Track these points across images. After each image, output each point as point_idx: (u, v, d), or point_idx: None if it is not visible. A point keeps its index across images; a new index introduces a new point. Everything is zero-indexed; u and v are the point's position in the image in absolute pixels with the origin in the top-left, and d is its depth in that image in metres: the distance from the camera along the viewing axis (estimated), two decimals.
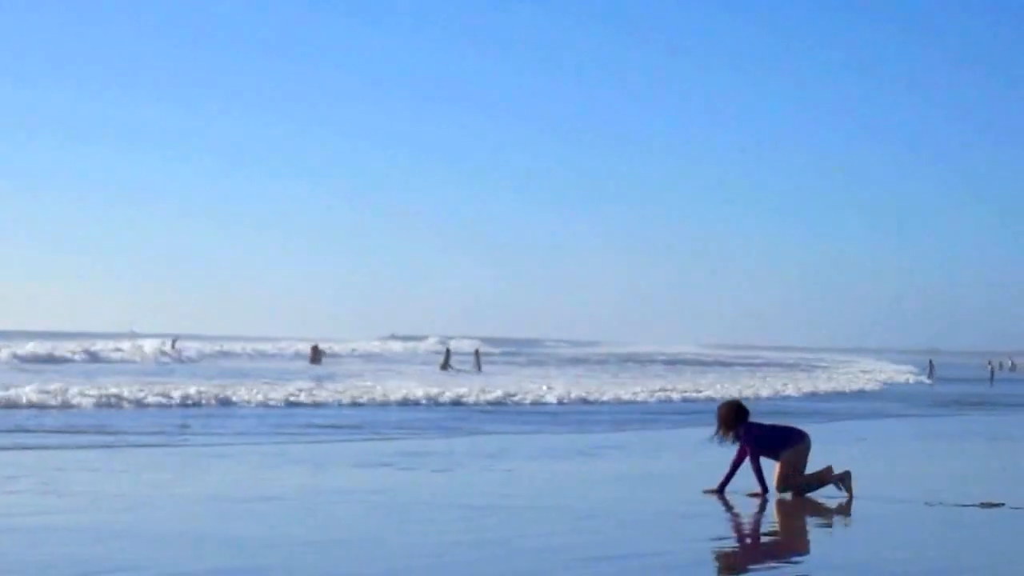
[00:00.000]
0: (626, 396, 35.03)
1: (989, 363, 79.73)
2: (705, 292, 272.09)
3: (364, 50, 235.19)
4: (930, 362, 75.81)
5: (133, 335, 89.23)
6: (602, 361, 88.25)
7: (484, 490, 13.48)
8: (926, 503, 12.52)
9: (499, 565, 9.06)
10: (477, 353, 63.74)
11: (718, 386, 42.99)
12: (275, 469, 15.34)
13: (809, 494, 12.82)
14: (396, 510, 11.75)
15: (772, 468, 12.77)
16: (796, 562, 9.53)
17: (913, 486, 14.39)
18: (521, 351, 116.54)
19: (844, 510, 12.21)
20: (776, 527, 11.65)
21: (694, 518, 11.54)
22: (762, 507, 12.25)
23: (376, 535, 10.34)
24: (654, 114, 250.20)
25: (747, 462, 12.77)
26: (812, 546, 10.20)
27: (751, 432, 12.80)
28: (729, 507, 12.24)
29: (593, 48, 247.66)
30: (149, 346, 64.69)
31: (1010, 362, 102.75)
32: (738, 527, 11.50)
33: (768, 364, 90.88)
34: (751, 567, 9.38)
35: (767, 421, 13.50)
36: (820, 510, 12.22)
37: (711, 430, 13.09)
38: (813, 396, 41.70)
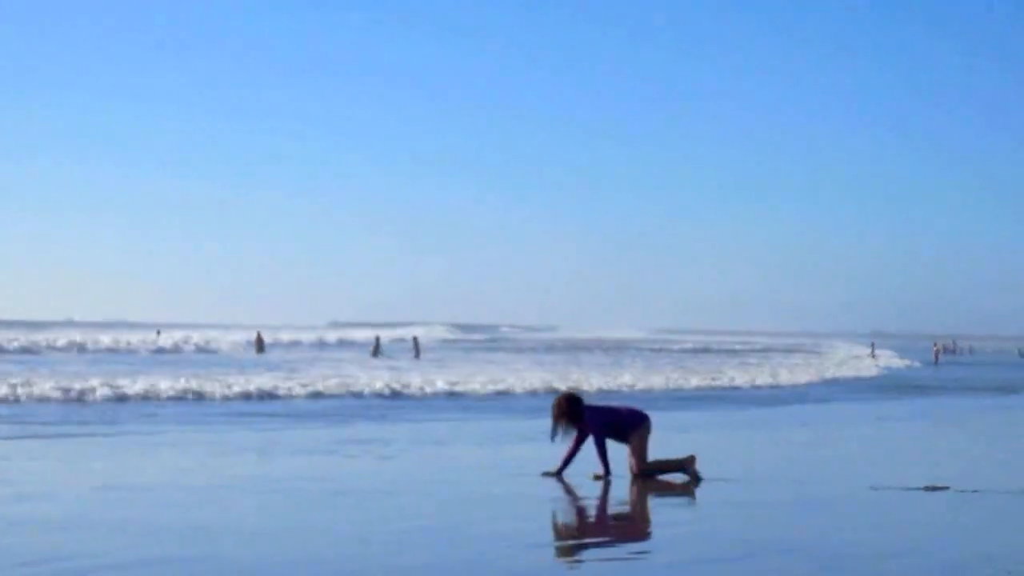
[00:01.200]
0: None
1: (935, 345, 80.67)
2: (653, 277, 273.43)
3: (291, 36, 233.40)
4: (872, 344, 77.16)
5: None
6: (553, 348, 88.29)
7: (432, 477, 13.54)
8: (871, 487, 12.66)
9: (449, 552, 9.13)
10: (415, 340, 63.96)
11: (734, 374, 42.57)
12: (224, 457, 15.34)
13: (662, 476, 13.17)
14: (347, 497, 11.81)
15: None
16: (747, 542, 9.59)
17: (859, 470, 14.56)
18: (483, 338, 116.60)
19: (688, 489, 12.60)
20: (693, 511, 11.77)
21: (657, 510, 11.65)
22: (636, 488, 12.39)
23: (328, 522, 10.37)
24: (604, 100, 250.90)
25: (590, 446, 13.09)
26: (757, 529, 10.27)
27: (596, 417, 13.09)
28: (642, 495, 12.37)
29: (543, 32, 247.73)
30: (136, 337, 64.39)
31: (953, 344, 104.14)
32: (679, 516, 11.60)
33: (753, 350, 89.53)
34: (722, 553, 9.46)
35: (604, 404, 13.93)
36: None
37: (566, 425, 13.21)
38: (834, 383, 41.61)
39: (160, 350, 59.49)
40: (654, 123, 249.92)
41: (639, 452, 13.14)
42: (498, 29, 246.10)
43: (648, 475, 13.09)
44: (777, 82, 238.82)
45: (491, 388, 31.20)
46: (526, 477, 13.20)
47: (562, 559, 9.23)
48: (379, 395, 28.77)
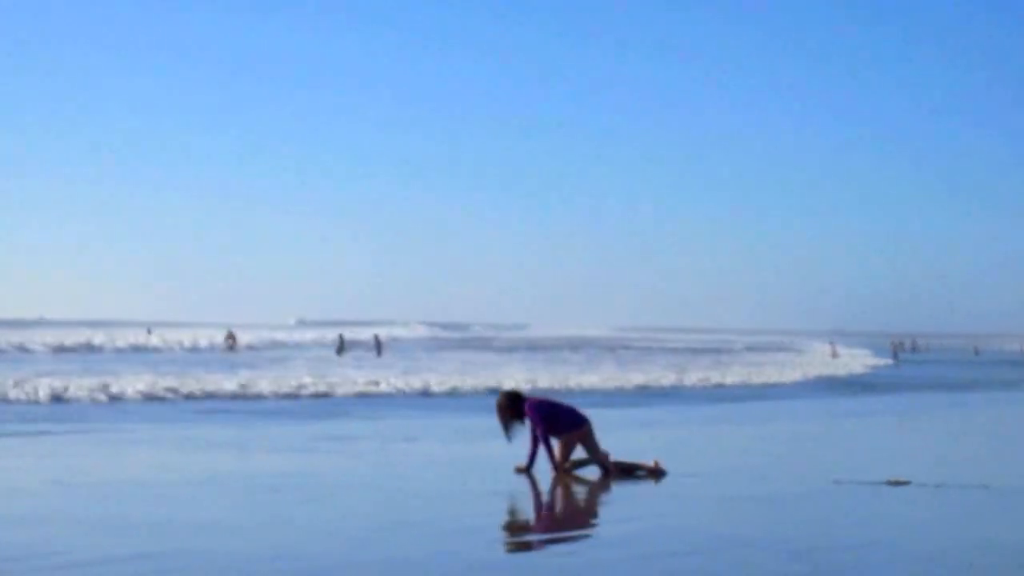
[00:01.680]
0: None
1: (892, 344, 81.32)
2: (618, 276, 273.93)
3: (263, 39, 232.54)
4: (831, 343, 77.88)
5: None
6: (526, 347, 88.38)
7: (401, 473, 13.65)
8: (834, 481, 12.83)
9: (417, 546, 9.22)
10: (376, 339, 63.93)
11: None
12: (194, 454, 15.37)
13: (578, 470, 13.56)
14: (317, 493, 11.89)
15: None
16: (713, 536, 9.72)
17: (822, 465, 14.73)
18: (456, 336, 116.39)
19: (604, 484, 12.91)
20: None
21: (612, 503, 11.77)
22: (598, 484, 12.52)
23: (298, 517, 10.44)
24: (565, 98, 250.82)
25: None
26: (722, 523, 10.42)
27: (538, 411, 13.43)
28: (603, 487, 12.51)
29: (510, 34, 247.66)
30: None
31: (912, 343, 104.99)
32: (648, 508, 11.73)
33: (733, 350, 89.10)
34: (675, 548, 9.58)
35: (546, 398, 14.20)
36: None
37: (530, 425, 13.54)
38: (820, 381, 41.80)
39: (137, 348, 59.29)
40: (622, 123, 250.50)
41: (565, 450, 13.49)
42: (463, 31, 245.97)
43: (568, 471, 13.45)
44: (739, 82, 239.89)
45: (439, 387, 31.12)
46: (494, 472, 13.33)
47: (526, 552, 9.36)
48: (344, 393, 28.79)
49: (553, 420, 13.45)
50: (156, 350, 58.82)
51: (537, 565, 8.85)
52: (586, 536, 10.15)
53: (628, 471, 13.46)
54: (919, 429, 22.50)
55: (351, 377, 32.89)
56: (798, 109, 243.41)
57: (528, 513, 11.55)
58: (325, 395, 28.36)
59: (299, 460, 14.90)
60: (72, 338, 61.77)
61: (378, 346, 61.86)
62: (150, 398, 25.91)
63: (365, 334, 77.07)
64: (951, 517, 10.88)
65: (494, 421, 13.76)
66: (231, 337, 66.39)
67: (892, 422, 23.95)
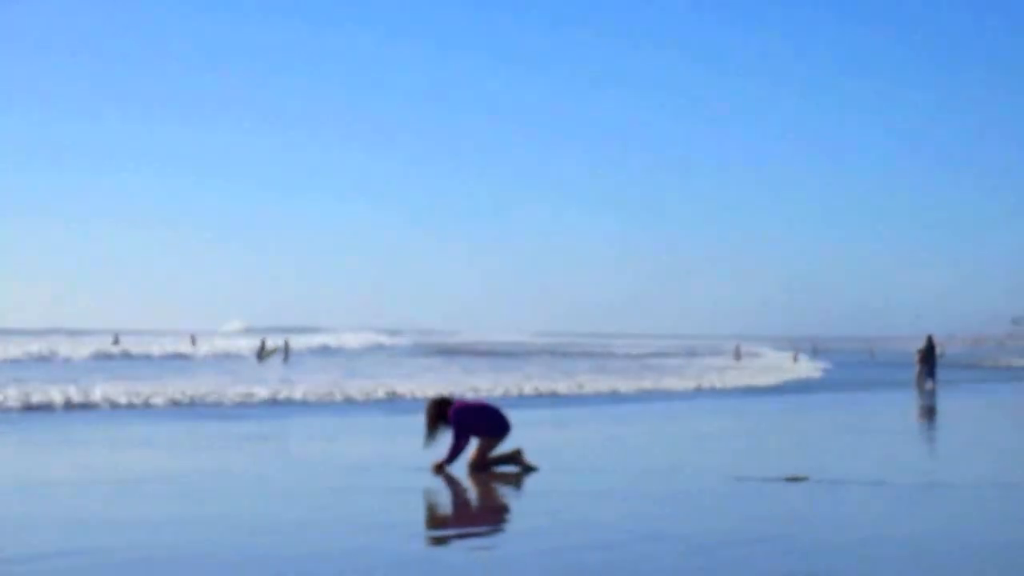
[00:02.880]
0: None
1: (794, 353, 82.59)
2: (532, 282, 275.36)
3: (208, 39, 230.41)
4: (737, 347, 79.13)
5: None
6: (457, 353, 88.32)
7: (323, 471, 13.89)
8: (736, 477, 13.19)
9: (340, 541, 9.47)
10: (286, 344, 63.49)
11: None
12: (122, 453, 15.39)
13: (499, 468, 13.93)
14: (242, 489, 12.17)
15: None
16: (616, 531, 9.97)
17: (725, 462, 15.09)
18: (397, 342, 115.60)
19: (516, 480, 13.20)
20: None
21: (534, 497, 12.01)
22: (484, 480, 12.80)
23: (224, 514, 10.68)
24: (485, 109, 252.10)
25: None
26: (626, 518, 10.64)
27: (460, 416, 13.83)
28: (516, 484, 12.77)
29: (420, 50, 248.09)
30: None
31: (813, 346, 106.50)
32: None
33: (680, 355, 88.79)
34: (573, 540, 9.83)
35: (476, 402, 14.45)
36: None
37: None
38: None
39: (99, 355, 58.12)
40: (544, 138, 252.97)
41: (484, 450, 13.85)
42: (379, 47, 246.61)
43: (484, 468, 13.79)
44: (657, 94, 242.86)
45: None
46: (415, 471, 13.60)
47: (441, 547, 9.57)
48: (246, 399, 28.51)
49: (476, 424, 13.83)
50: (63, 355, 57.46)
51: (451, 560, 9.09)
52: (498, 531, 10.39)
53: (507, 461, 13.90)
54: (820, 427, 22.97)
55: (251, 382, 32.63)
56: (716, 123, 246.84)
57: (442, 509, 11.76)
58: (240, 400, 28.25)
59: (223, 458, 15.04)
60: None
61: (286, 352, 61.43)
62: (85, 406, 24.72)
63: (304, 341, 76.29)
64: (846, 512, 11.22)
65: (411, 421, 14.04)
66: (192, 340, 64.90)
67: (794, 420, 24.42)
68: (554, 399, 29.80)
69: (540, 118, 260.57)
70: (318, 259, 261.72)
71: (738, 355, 75.93)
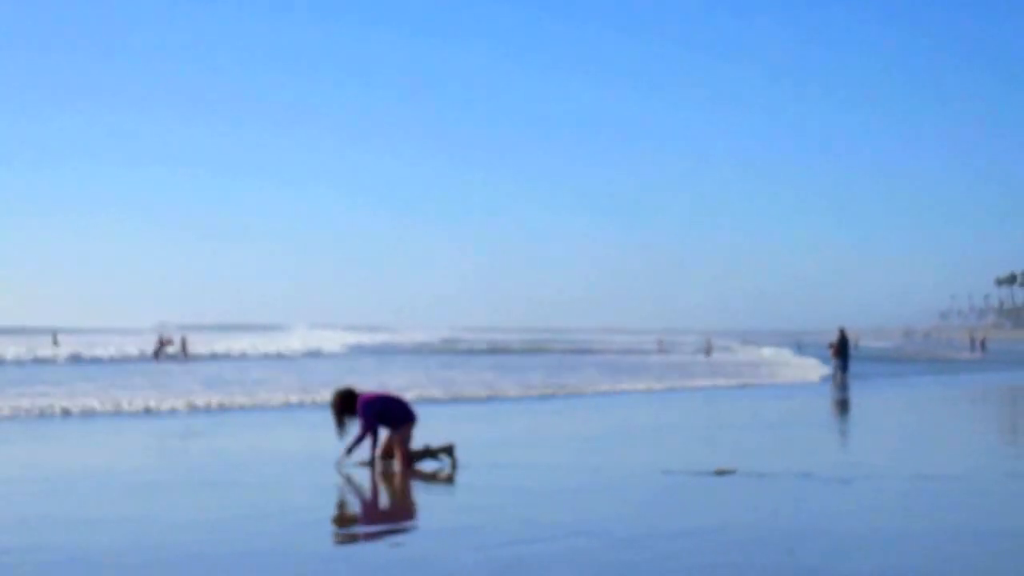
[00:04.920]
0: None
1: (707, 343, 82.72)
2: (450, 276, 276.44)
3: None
4: (707, 341, 79.79)
5: None
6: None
7: (227, 468, 13.81)
8: (663, 471, 13.20)
9: (261, 538, 9.40)
10: (183, 340, 62.81)
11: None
12: (51, 452, 15.16)
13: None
14: (164, 487, 12.05)
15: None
16: (540, 525, 9.93)
17: (652, 455, 15.12)
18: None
19: (450, 478, 13.15)
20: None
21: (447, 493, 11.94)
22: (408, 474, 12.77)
23: (146, 512, 10.55)
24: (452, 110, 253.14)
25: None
26: (552, 512, 10.63)
27: (367, 407, 13.87)
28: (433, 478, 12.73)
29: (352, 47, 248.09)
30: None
31: (796, 343, 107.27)
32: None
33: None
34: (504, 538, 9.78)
35: (380, 393, 14.51)
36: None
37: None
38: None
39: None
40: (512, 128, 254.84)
41: (403, 443, 13.88)
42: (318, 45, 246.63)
43: (411, 463, 13.84)
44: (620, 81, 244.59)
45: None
46: (327, 467, 13.53)
47: (362, 543, 9.49)
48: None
49: (384, 415, 13.89)
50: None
51: (374, 557, 9.00)
52: (423, 527, 10.32)
53: (428, 455, 13.97)
54: (749, 421, 23.10)
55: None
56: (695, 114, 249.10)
57: (363, 505, 11.67)
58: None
59: (147, 456, 14.83)
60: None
61: (183, 347, 60.75)
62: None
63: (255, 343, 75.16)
64: (773, 504, 11.24)
65: (328, 417, 14.07)
66: (169, 342, 63.29)
67: (721, 414, 24.54)
68: (496, 397, 29.71)
69: (511, 108, 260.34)
70: (259, 258, 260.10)
71: (709, 350, 75.78)
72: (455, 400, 27.33)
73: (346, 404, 13.98)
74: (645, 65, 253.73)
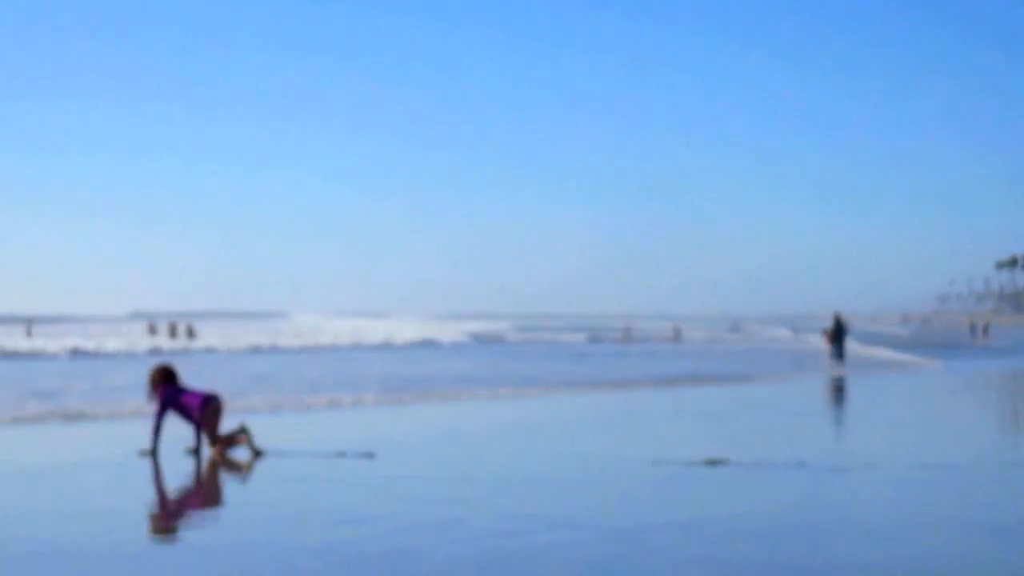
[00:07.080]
0: None
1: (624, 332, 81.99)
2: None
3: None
4: (675, 327, 79.63)
5: None
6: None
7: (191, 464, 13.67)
8: (653, 462, 12.98)
9: (229, 531, 9.34)
10: (189, 327, 62.91)
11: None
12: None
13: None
14: (118, 483, 11.96)
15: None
16: (526, 517, 9.71)
17: (643, 446, 14.90)
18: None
19: (249, 465, 13.21)
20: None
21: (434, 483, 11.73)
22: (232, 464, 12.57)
23: (112, 508, 10.47)
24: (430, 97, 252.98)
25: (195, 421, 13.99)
26: (538, 504, 10.44)
27: (167, 393, 13.96)
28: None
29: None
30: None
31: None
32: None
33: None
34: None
35: (190, 386, 14.61)
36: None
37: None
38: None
39: None
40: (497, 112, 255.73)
41: (211, 432, 13.94)
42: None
43: (224, 444, 13.95)
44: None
45: None
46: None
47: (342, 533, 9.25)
48: None
49: (178, 403, 13.93)
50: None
51: (350, 548, 8.77)
52: (411, 520, 10.08)
53: (230, 442, 13.99)
54: (742, 412, 22.93)
55: None
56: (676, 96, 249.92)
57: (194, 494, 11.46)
58: None
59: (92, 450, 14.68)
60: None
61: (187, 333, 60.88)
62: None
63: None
64: (766, 495, 11.07)
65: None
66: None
67: (717, 405, 24.36)
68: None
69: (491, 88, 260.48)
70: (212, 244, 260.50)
71: (677, 336, 75.76)
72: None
73: (165, 380, 13.98)
74: (634, 46, 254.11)
